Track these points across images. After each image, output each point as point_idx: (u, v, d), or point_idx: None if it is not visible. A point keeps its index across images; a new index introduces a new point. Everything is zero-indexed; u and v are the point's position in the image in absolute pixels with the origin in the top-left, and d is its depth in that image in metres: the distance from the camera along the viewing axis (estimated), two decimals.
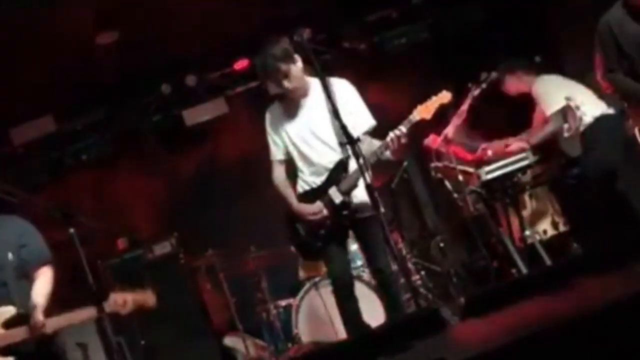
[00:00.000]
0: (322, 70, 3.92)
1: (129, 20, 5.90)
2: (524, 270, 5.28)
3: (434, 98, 4.18)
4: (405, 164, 6.30)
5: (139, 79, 6.93)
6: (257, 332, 6.00)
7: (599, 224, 5.35)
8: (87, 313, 3.86)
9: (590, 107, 5.43)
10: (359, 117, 4.20)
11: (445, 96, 4.20)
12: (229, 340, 6.11)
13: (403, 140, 4.06)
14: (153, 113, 7.16)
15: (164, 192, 7.37)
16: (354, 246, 5.50)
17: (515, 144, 5.55)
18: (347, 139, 3.70)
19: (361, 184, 3.95)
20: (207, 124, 7.35)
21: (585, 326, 2.05)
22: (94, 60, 6.27)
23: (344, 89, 4.25)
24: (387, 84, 7.05)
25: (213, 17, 6.37)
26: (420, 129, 5.89)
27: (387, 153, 4.10)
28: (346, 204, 4.18)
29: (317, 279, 5.55)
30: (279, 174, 4.40)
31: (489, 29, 7.21)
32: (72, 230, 3.66)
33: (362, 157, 3.74)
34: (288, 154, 4.35)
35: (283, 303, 5.75)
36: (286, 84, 4.14)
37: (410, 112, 4.16)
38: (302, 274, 6.08)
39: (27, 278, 3.99)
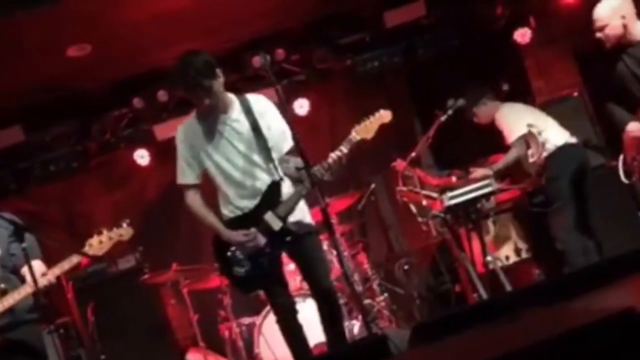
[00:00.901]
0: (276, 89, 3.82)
1: (102, 33, 5.90)
2: (485, 295, 5.34)
3: (372, 118, 4.07)
4: (372, 186, 6.37)
5: (110, 93, 6.92)
6: (220, 349, 5.99)
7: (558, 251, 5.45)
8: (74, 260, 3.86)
9: (553, 135, 5.55)
10: (282, 136, 3.98)
11: (384, 115, 4.11)
12: (191, 357, 6.09)
13: (343, 161, 3.90)
14: (124, 127, 7.14)
15: (132, 206, 7.35)
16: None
17: (478, 171, 5.63)
18: (303, 163, 3.61)
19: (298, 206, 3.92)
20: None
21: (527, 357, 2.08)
22: (66, 73, 6.26)
23: (263, 106, 4.06)
24: (359, 106, 7.09)
25: (186, 33, 6.40)
26: (388, 153, 6.02)
27: (328, 175, 3.89)
28: (287, 231, 3.92)
29: None
30: (194, 199, 4.09)
31: (461, 55, 7.31)
32: (24, 245, 3.62)
33: (295, 178, 3.77)
34: (202, 178, 4.09)
35: (246, 321, 5.75)
36: (207, 101, 3.84)
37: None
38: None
39: (16, 274, 3.92)
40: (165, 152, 7.38)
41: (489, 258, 5.59)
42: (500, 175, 5.73)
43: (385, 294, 6.03)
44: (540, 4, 7.20)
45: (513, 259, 6.03)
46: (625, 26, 4.36)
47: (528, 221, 6.10)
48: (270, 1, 6.29)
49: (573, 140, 5.60)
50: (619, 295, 2.42)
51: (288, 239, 3.92)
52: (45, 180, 7.00)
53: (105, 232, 3.96)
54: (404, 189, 5.72)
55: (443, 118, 5.67)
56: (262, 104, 4.06)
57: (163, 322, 6.37)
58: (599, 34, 4.47)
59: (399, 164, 5.74)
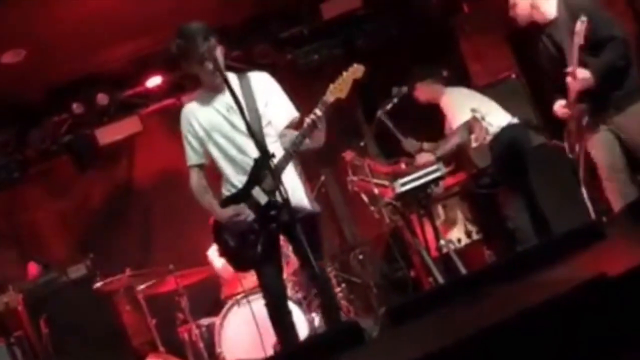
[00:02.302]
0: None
1: (36, 38, 5.75)
2: (440, 279, 5.43)
3: (345, 74, 3.88)
4: (322, 178, 6.39)
5: (48, 98, 6.76)
6: (180, 352, 5.90)
7: (509, 231, 5.58)
8: None
9: (496, 117, 5.67)
10: (280, 110, 3.99)
11: (356, 69, 3.91)
12: None
13: (320, 125, 3.79)
14: (65, 133, 6.98)
15: (78, 213, 7.21)
16: None
17: (423, 156, 5.69)
18: (261, 154, 3.57)
19: (288, 180, 3.80)
20: (121, 142, 7.24)
21: (496, 335, 2.11)
22: (1, 79, 6.08)
23: (263, 82, 4.03)
24: (302, 99, 7.10)
25: (124, 34, 6.29)
26: (334, 144, 6.05)
27: (307, 141, 3.83)
28: (273, 204, 3.80)
29: (239, 297, 5.54)
30: (196, 180, 4.04)
31: (400, 43, 7.39)
32: None
33: (282, 159, 3.70)
34: (207, 157, 4.02)
35: (205, 322, 5.69)
36: (209, 65, 3.78)
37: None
38: (224, 292, 6.06)
39: None
40: (108, 156, 7.31)
41: (442, 242, 5.68)
42: (445, 161, 5.82)
43: (343, 285, 6.07)
44: None
45: (464, 241, 6.14)
46: (532, 5, 4.40)
47: (476, 203, 6.21)
48: None
49: (515, 120, 5.73)
50: (585, 265, 2.48)
51: (272, 212, 3.80)
52: None
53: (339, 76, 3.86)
54: (355, 178, 5.77)
55: (388, 107, 5.72)
56: (261, 80, 4.03)
57: (119, 329, 6.25)
58: (511, 13, 4.54)
59: (348, 154, 5.78)
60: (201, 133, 3.98)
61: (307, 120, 3.80)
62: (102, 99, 6.82)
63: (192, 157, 4.03)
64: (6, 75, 6.06)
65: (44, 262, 6.29)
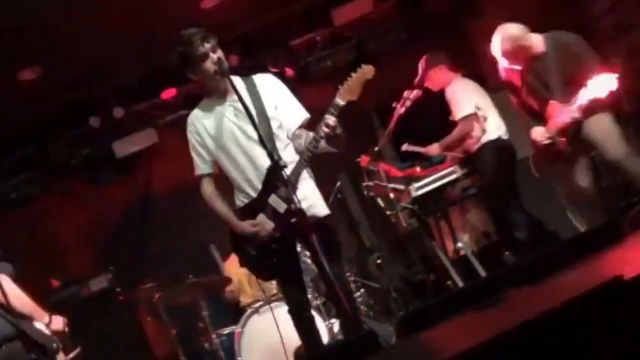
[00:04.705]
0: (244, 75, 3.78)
1: (50, 55, 5.81)
2: (459, 282, 5.42)
3: (354, 75, 3.76)
4: (338, 183, 6.40)
5: (65, 114, 6.83)
6: None
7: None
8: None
9: (493, 126, 5.65)
10: (291, 112, 3.92)
11: (366, 71, 3.78)
12: None
13: (337, 130, 3.67)
14: (82, 147, 7.05)
15: (98, 226, 7.27)
16: None
17: (431, 147, 5.72)
18: (273, 163, 3.48)
19: (303, 186, 3.79)
20: (138, 155, 7.30)
21: (521, 336, 2.11)
22: (18, 97, 6.16)
23: (270, 84, 3.95)
24: (316, 106, 7.12)
25: (139, 47, 6.34)
26: (352, 150, 6.06)
27: (323, 144, 3.73)
28: (292, 212, 3.68)
29: (257, 305, 5.56)
30: (207, 188, 3.97)
31: (412, 47, 7.39)
32: None
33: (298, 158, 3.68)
34: (216, 166, 3.95)
35: (225, 331, 5.71)
36: (210, 67, 3.73)
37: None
38: (243, 300, 6.09)
39: None
40: (127, 169, 7.37)
41: (459, 244, 5.66)
42: (461, 163, 5.78)
43: (362, 290, 6.07)
44: None
45: (482, 243, 6.12)
46: (522, 38, 4.67)
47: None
48: (219, 8, 6.28)
49: (506, 137, 5.69)
50: (601, 266, 2.48)
51: (293, 220, 3.70)
52: (7, 208, 6.87)
53: (348, 78, 3.78)
54: (371, 183, 5.77)
55: (402, 110, 5.72)
56: (268, 82, 3.95)
57: (142, 340, 6.30)
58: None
59: (363, 159, 5.78)
60: (209, 141, 3.92)
61: (322, 126, 3.67)
62: (118, 112, 6.89)
63: (201, 167, 3.97)
64: (24, 92, 6.14)
65: (64, 279, 6.34)
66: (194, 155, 3.99)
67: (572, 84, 4.51)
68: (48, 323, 3.85)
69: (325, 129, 3.66)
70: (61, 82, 6.27)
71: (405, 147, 5.97)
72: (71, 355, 3.92)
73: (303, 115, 3.95)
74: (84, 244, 7.18)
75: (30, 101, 6.33)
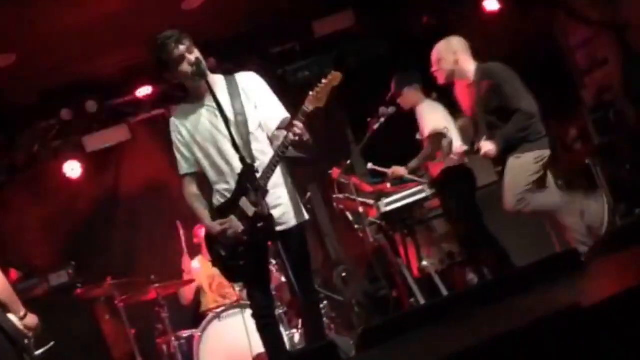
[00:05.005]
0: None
1: (26, 42, 5.76)
2: (422, 300, 5.45)
3: (323, 82, 3.73)
4: (308, 194, 6.41)
5: (37, 103, 6.76)
6: None
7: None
8: None
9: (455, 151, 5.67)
10: (271, 112, 3.89)
11: (334, 78, 3.76)
12: None
13: (305, 137, 3.65)
14: (53, 139, 6.97)
15: (63, 220, 7.17)
16: None
17: (397, 169, 5.69)
18: (244, 166, 3.53)
19: (278, 192, 3.79)
20: (109, 150, 7.24)
21: (479, 354, 2.13)
22: None
23: (251, 82, 3.93)
24: (291, 115, 7.15)
25: (116, 43, 6.31)
26: (322, 161, 6.08)
27: (291, 150, 3.71)
28: (261, 216, 3.67)
29: (219, 310, 5.54)
30: (188, 189, 3.96)
31: (392, 62, 7.43)
32: None
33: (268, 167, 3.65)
34: (198, 165, 3.93)
35: (185, 334, 5.67)
36: (187, 67, 3.71)
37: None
38: (205, 304, 6.05)
39: None
40: (96, 164, 7.30)
41: (424, 263, 5.70)
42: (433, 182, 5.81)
43: (324, 302, 6.06)
44: (464, 15, 7.41)
45: (447, 262, 6.16)
46: (456, 62, 4.81)
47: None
48: (200, 11, 6.27)
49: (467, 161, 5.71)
50: (561, 293, 2.51)
51: (260, 224, 3.68)
52: None
53: (317, 85, 3.75)
54: (341, 196, 5.78)
55: (375, 126, 5.74)
56: (249, 81, 3.94)
57: (99, 338, 6.22)
58: (434, 68, 4.96)
59: (335, 172, 5.80)
60: (189, 140, 3.91)
61: (289, 132, 3.67)
62: (91, 106, 6.83)
63: (184, 166, 3.96)
64: None
65: (25, 271, 6.24)
66: (177, 154, 3.98)
67: (495, 115, 4.65)
68: (22, 317, 3.79)
69: (292, 136, 3.65)
70: (35, 71, 6.20)
71: (370, 166, 5.96)
72: (42, 349, 3.87)
73: (283, 114, 3.92)
74: (47, 237, 7.08)
75: (2, 88, 6.24)
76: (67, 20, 5.65)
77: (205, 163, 3.91)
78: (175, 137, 3.96)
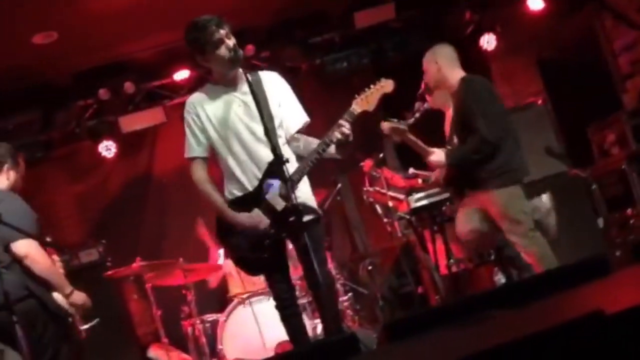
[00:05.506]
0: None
1: (68, 22, 5.82)
2: (447, 298, 5.41)
3: (372, 88, 3.76)
4: (339, 185, 6.40)
5: (76, 82, 6.84)
6: (182, 345, 5.95)
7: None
8: None
9: None
10: (292, 113, 3.90)
11: (385, 85, 3.78)
12: (153, 353, 6.03)
13: (350, 138, 3.65)
14: (89, 118, 7.06)
15: (95, 199, 7.27)
16: None
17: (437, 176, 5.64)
18: (275, 157, 3.46)
19: (301, 185, 3.75)
20: (144, 132, 7.30)
21: (498, 357, 2.11)
22: (31, 60, 6.17)
23: (276, 82, 3.93)
24: (326, 105, 7.11)
25: (156, 26, 6.35)
26: (357, 154, 6.06)
27: (331, 149, 3.72)
28: (290, 210, 3.59)
29: (245, 296, 5.57)
30: (200, 172, 3.86)
31: None
32: None
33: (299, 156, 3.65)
34: (211, 152, 3.87)
35: (210, 318, 5.72)
36: (225, 52, 3.69)
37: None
38: (231, 290, 6.09)
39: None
40: (131, 145, 7.38)
41: (452, 261, 5.65)
42: None
43: (349, 294, 6.06)
44: (507, 12, 7.32)
45: (475, 261, 6.10)
46: (439, 70, 4.62)
47: None
48: None
49: None
50: (585, 299, 2.48)
51: (292, 218, 3.58)
52: None
53: (367, 88, 3.79)
54: (371, 189, 5.76)
55: (410, 121, 5.69)
56: (274, 80, 3.94)
57: (125, 317, 6.30)
58: (425, 78, 4.82)
59: (366, 164, 5.78)
60: (210, 128, 3.84)
61: (335, 131, 3.65)
62: (129, 87, 6.89)
63: (196, 150, 3.87)
64: (37, 56, 6.16)
65: (57, 247, 6.32)
66: (189, 136, 3.90)
67: (459, 129, 4.53)
68: (69, 294, 3.86)
69: (339, 135, 3.64)
70: (75, 51, 6.27)
71: (411, 171, 5.90)
72: (87, 325, 3.94)
73: (303, 118, 3.93)
74: (80, 215, 7.19)
75: (42, 66, 6.34)
76: (108, 1, 5.70)
77: (226, 154, 3.84)
78: (190, 118, 3.88)
